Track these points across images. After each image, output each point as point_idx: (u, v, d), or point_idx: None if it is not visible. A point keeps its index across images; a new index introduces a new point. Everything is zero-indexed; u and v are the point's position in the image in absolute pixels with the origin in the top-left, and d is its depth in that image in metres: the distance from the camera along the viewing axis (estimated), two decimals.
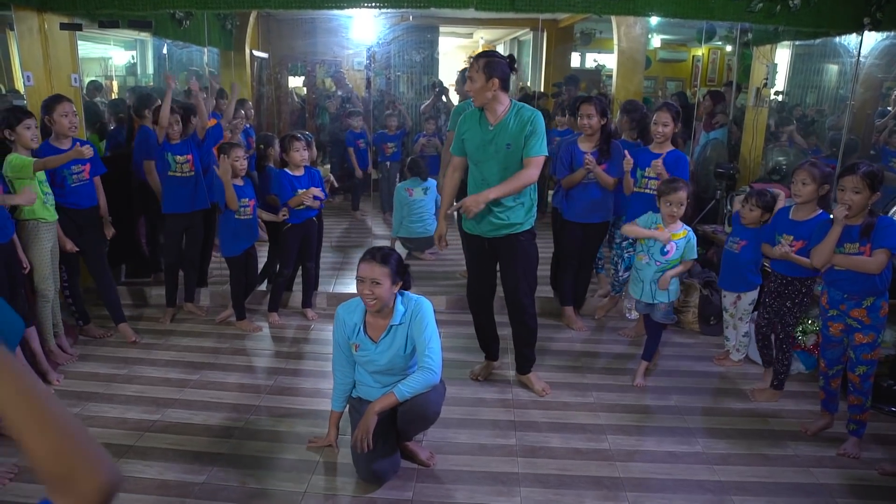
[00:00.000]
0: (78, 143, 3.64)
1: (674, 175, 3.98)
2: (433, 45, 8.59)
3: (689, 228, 3.61)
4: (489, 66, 3.08)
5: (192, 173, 4.29)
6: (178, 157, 4.24)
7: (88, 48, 6.48)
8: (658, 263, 3.55)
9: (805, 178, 3.15)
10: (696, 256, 3.62)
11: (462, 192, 3.43)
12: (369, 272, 2.57)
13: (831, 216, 2.96)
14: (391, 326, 2.67)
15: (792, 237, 3.22)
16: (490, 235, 3.32)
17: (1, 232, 3.23)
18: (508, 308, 3.48)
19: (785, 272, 3.32)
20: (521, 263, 3.35)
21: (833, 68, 6.62)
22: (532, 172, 3.16)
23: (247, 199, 4.14)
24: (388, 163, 7.17)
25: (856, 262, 2.85)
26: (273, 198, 4.31)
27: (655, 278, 3.55)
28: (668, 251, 3.53)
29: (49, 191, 3.57)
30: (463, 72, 5.20)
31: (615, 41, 5.91)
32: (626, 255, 4.28)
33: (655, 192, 3.70)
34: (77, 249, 3.82)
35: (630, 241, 4.22)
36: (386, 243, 5.96)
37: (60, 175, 3.70)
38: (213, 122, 4.65)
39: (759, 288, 3.76)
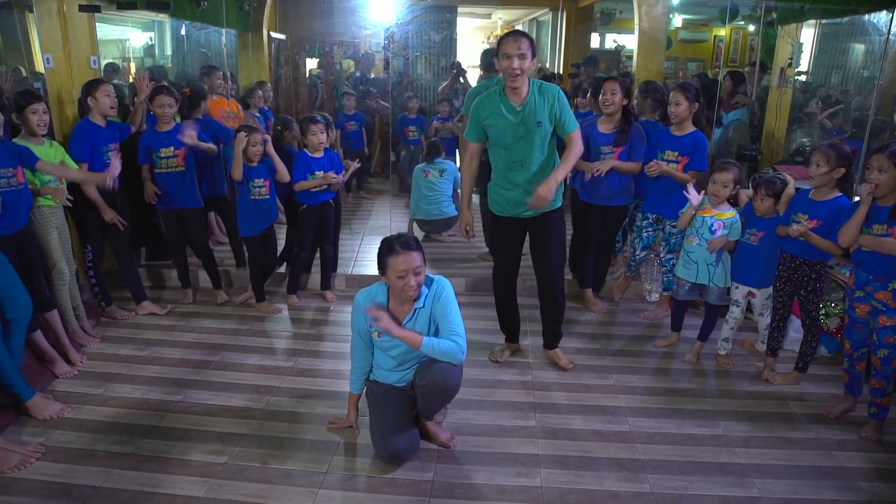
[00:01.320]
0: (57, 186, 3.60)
1: (691, 156, 3.94)
2: (451, 25, 8.50)
3: (735, 210, 3.62)
4: (533, 44, 3.10)
5: (183, 167, 4.21)
6: (163, 150, 4.16)
7: (106, 30, 6.48)
8: (710, 244, 3.58)
9: (819, 159, 3.09)
10: (739, 237, 3.58)
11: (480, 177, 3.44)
12: (412, 262, 2.53)
13: (856, 198, 2.90)
14: (415, 310, 2.66)
15: (807, 216, 3.16)
16: (527, 215, 3.35)
17: (15, 220, 3.25)
18: (540, 286, 3.53)
19: (796, 253, 3.26)
20: (554, 240, 3.41)
21: (860, 48, 6.47)
22: (580, 145, 3.25)
23: (261, 180, 4.14)
24: (411, 146, 7.12)
25: (882, 243, 2.79)
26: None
27: (711, 259, 3.59)
28: (715, 230, 3.56)
29: (50, 178, 3.56)
30: (488, 52, 5.15)
31: (636, 21, 5.80)
32: (644, 234, 4.24)
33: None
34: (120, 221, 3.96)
35: (649, 220, 4.19)
36: (403, 226, 5.95)
37: (98, 150, 3.85)
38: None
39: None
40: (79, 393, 3.25)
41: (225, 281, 4.72)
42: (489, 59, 4.91)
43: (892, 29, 4.43)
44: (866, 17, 4.72)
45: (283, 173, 4.17)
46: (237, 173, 4.04)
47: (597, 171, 3.99)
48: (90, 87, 3.83)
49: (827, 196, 3.14)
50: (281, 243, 4.63)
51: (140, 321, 4.16)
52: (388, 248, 2.56)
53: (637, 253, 4.33)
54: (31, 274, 3.32)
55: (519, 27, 11.00)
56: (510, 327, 3.71)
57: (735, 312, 3.66)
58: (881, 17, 4.55)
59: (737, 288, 3.64)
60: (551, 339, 3.65)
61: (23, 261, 3.28)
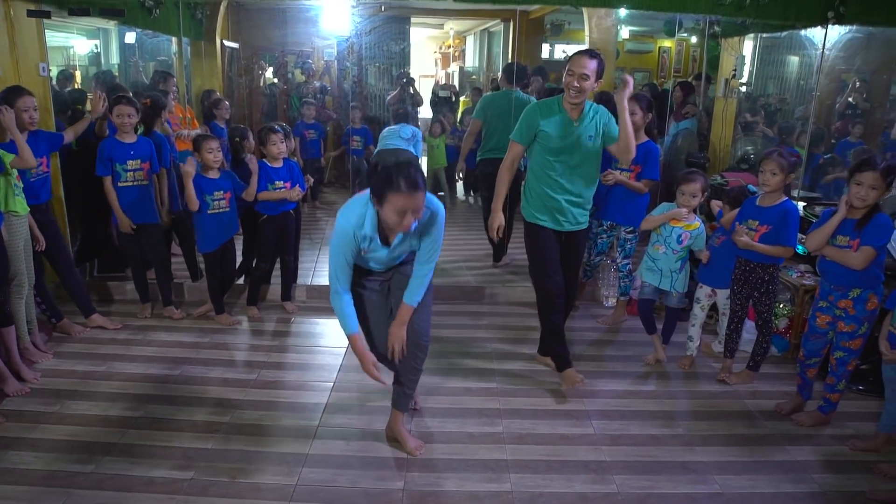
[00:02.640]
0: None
1: (644, 166, 4.09)
2: (405, 35, 8.55)
3: (700, 221, 3.77)
4: (601, 67, 3.25)
5: (147, 182, 4.13)
6: (130, 162, 4.03)
7: (50, 37, 6.28)
8: (675, 252, 3.68)
9: (774, 168, 3.24)
10: (702, 247, 3.74)
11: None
12: (415, 203, 2.34)
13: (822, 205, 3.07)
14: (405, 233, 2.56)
15: (757, 222, 3.32)
16: (568, 229, 3.49)
17: None
18: (567, 295, 3.62)
19: (749, 257, 3.42)
20: (581, 254, 3.72)
21: (795, 60, 6.80)
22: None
23: (220, 192, 4.07)
24: (354, 157, 7.12)
25: (840, 255, 2.94)
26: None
27: (675, 267, 3.70)
28: (682, 240, 3.67)
29: (20, 183, 3.48)
30: (511, 65, 5.25)
31: (586, 32, 5.96)
32: (599, 241, 4.37)
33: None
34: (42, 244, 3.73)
35: (604, 227, 4.31)
36: None
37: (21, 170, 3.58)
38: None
39: None
40: (32, 412, 3.14)
41: (179, 294, 4.63)
42: (509, 72, 5.18)
43: (825, 44, 4.68)
44: (802, 32, 4.98)
45: (252, 192, 4.16)
46: (192, 204, 3.96)
47: (611, 179, 4.13)
48: (6, 99, 3.54)
49: (775, 201, 3.30)
50: (238, 255, 4.56)
51: (95, 335, 4.04)
52: (391, 184, 2.30)
53: (592, 258, 4.45)
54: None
55: (470, 38, 11.13)
56: (566, 349, 3.63)
57: (696, 311, 3.82)
58: (816, 33, 4.81)
59: (700, 288, 3.83)
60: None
61: None
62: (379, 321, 2.84)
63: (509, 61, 8.50)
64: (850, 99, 6.33)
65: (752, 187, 4.06)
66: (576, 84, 3.20)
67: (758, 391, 3.53)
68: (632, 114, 4.02)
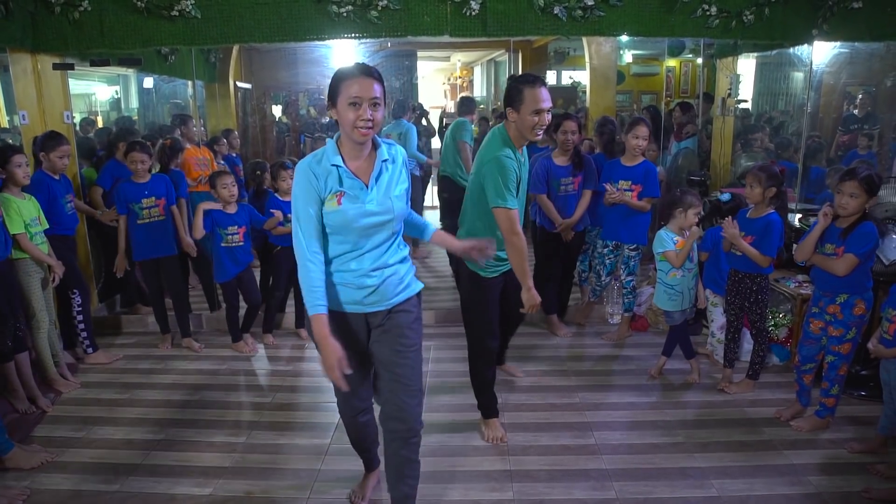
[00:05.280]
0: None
1: (644, 184, 4.23)
2: (411, 70, 8.84)
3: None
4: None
5: (164, 217, 4.35)
6: (144, 200, 4.26)
7: (72, 84, 6.64)
8: (690, 270, 3.79)
9: (752, 181, 3.41)
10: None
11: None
12: (369, 90, 2.05)
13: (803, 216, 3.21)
14: (382, 162, 2.20)
15: (744, 233, 3.47)
16: (507, 269, 3.09)
17: None
18: (513, 326, 3.56)
19: (738, 267, 3.56)
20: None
21: (798, 76, 6.92)
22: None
23: (234, 227, 4.26)
24: None
25: (825, 262, 3.08)
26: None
27: (692, 283, 3.81)
28: (692, 258, 3.79)
29: (38, 231, 3.67)
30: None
31: (587, 59, 6.16)
32: (607, 261, 4.50)
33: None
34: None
35: (609, 247, 4.44)
36: None
37: (58, 204, 3.92)
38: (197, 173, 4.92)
39: None
40: (61, 437, 3.32)
41: (197, 325, 4.82)
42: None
43: (814, 60, 4.82)
44: (791, 50, 5.12)
45: (272, 224, 4.35)
46: (198, 233, 4.16)
47: (613, 198, 4.25)
48: (45, 145, 3.90)
49: (761, 213, 3.44)
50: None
51: (119, 366, 4.23)
52: (341, 73, 2.09)
53: (602, 279, 4.58)
54: (9, 311, 3.38)
55: (477, 68, 11.42)
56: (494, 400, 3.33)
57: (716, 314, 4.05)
58: (803, 50, 4.94)
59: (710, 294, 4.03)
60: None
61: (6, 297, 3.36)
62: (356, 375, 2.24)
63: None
64: (854, 111, 6.42)
65: None
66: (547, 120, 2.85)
67: (759, 399, 3.60)
68: (643, 139, 4.23)
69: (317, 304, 2.13)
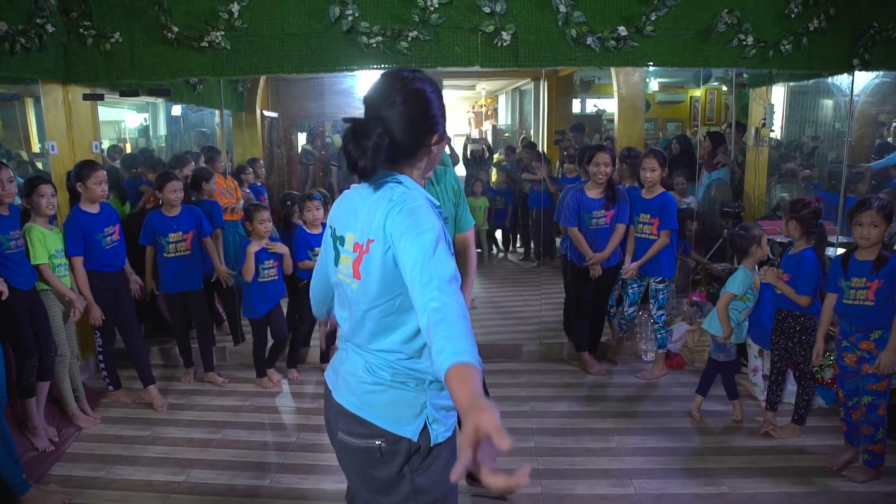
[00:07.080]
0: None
1: (661, 216, 4.14)
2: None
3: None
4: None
5: (190, 251, 4.23)
6: (171, 234, 4.18)
7: (102, 112, 6.70)
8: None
9: (785, 216, 3.39)
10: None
11: None
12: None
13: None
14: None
15: (782, 270, 3.40)
16: None
17: (23, 279, 3.30)
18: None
19: (781, 306, 3.45)
20: None
21: (828, 103, 6.77)
22: None
23: (271, 261, 4.21)
24: None
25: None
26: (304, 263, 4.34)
27: (742, 319, 3.69)
28: (754, 293, 3.68)
29: (62, 262, 3.62)
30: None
31: (615, 88, 6.06)
32: (630, 291, 4.39)
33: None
34: (102, 319, 3.82)
35: (633, 277, 4.31)
36: None
37: (94, 238, 3.75)
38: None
39: None
40: (80, 476, 3.23)
41: (221, 358, 4.74)
42: None
43: (854, 90, 4.68)
44: (829, 79, 4.99)
45: (289, 266, 4.29)
46: (248, 276, 4.10)
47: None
48: (81, 174, 3.71)
49: (798, 250, 3.34)
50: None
51: (143, 402, 4.15)
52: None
53: (626, 310, 4.45)
54: (37, 341, 3.35)
55: (502, 97, 11.40)
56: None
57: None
58: (843, 80, 4.82)
59: (749, 346, 3.97)
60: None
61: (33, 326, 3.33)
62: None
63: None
64: (889, 139, 6.26)
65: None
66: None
67: (805, 445, 3.42)
68: (651, 170, 4.13)
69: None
